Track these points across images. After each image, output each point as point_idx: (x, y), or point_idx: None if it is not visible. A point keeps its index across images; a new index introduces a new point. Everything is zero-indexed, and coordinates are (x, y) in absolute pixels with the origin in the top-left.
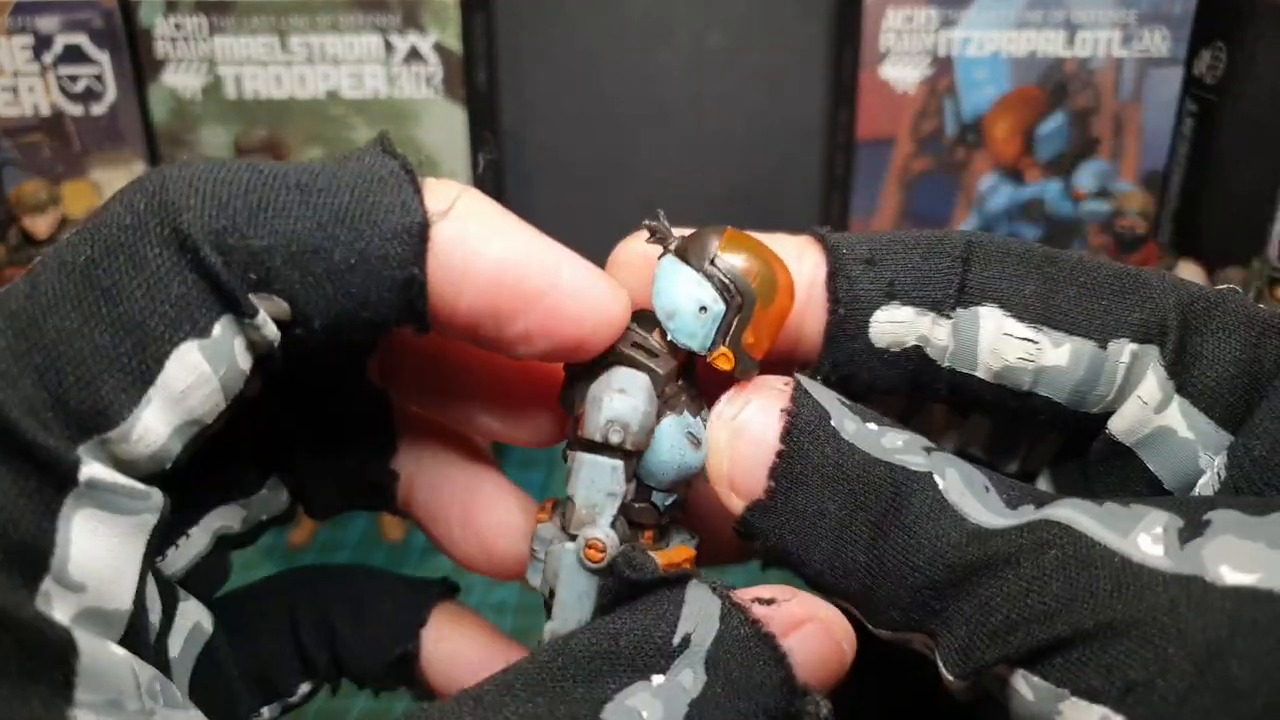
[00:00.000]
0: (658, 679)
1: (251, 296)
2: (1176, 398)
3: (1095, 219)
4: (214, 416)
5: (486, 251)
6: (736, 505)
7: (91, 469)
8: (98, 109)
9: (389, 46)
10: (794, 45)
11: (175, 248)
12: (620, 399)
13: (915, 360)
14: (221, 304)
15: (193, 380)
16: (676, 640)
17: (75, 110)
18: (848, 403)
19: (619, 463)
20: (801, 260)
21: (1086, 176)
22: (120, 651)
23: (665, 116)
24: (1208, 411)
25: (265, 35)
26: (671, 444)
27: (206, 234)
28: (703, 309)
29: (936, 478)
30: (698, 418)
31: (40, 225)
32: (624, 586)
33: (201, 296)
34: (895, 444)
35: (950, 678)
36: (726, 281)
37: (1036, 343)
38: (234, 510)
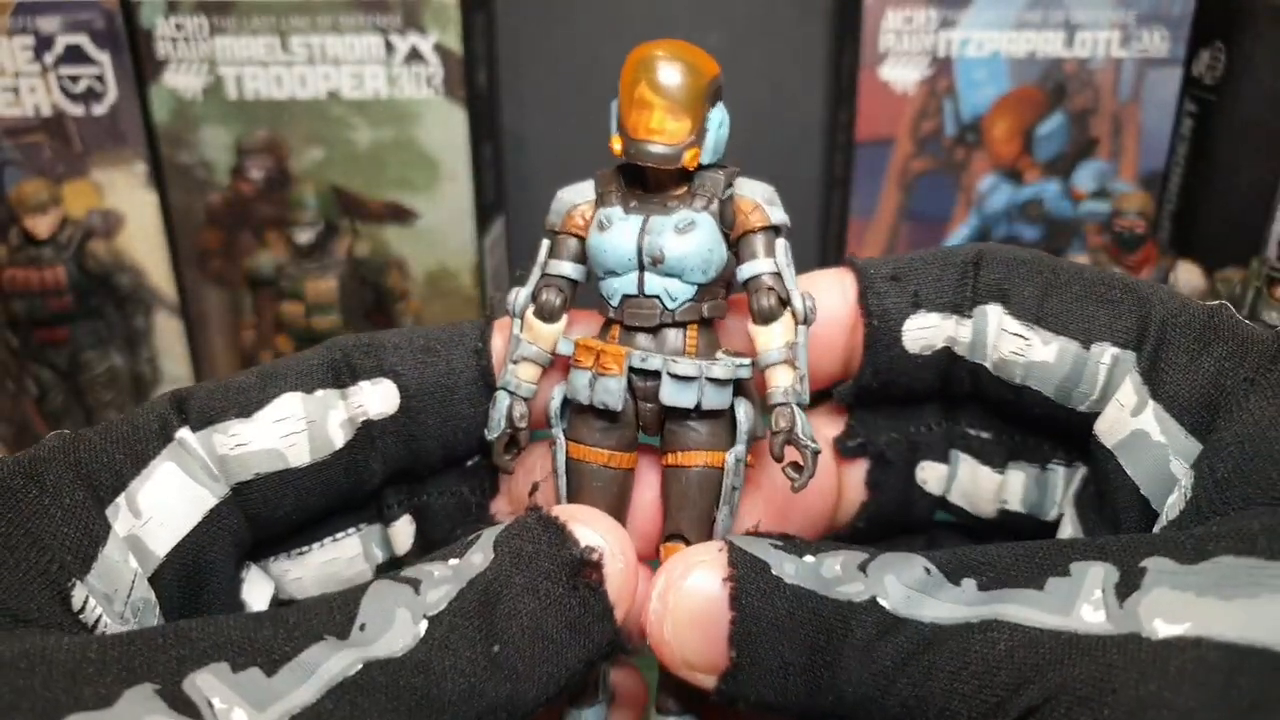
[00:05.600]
0: (454, 560)
1: (364, 382)
2: (1151, 402)
3: (1094, 219)
4: (299, 459)
5: None
6: (705, 682)
7: (184, 434)
8: (99, 109)
9: (389, 47)
10: (793, 46)
11: (332, 348)
12: (559, 193)
13: (945, 360)
14: (331, 379)
15: (285, 415)
16: (469, 538)
17: (76, 110)
18: (780, 543)
19: (544, 241)
20: (836, 286)
21: (1085, 177)
22: (134, 564)
23: None
24: (1179, 419)
25: (266, 36)
26: (592, 228)
27: (346, 344)
28: (611, 110)
29: (880, 600)
30: (619, 208)
31: (41, 225)
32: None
33: (320, 372)
34: (834, 571)
35: None
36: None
37: (1027, 339)
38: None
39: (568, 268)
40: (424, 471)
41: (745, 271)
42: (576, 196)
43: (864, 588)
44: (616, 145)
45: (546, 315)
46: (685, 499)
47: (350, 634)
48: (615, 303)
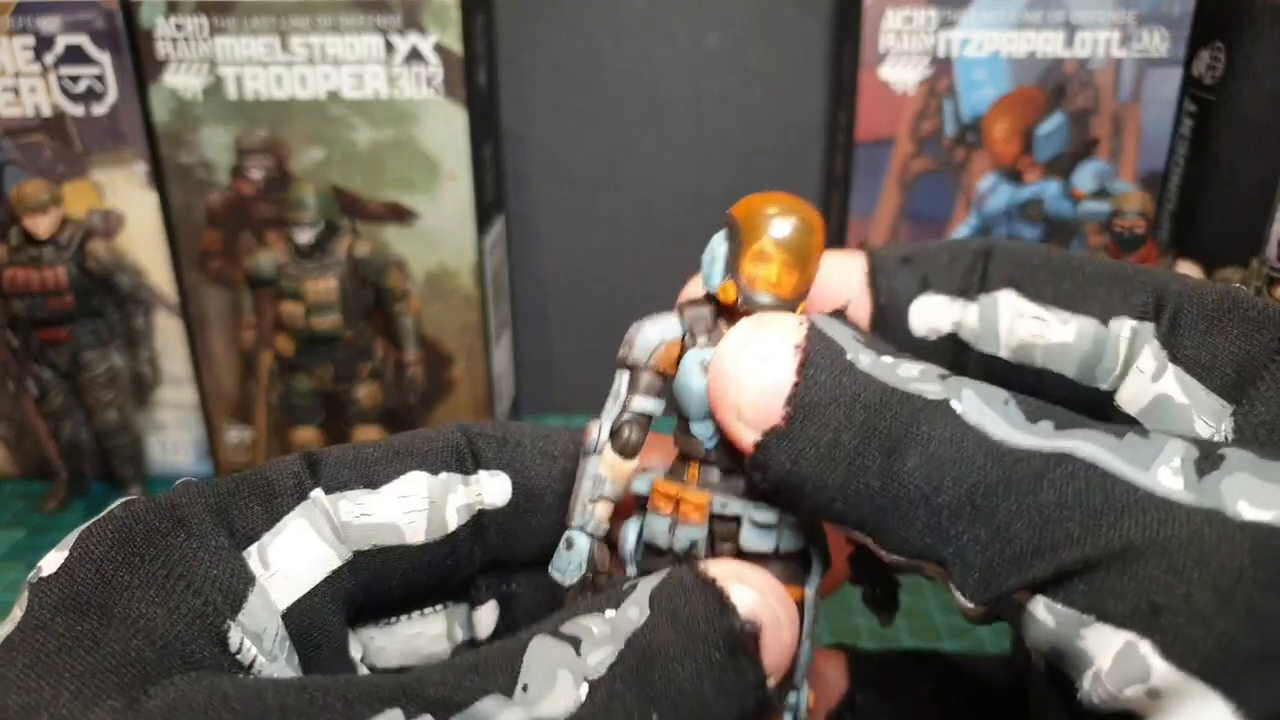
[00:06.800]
0: (610, 612)
1: (483, 472)
2: (1171, 366)
3: (1094, 219)
4: (416, 537)
5: None
6: (747, 436)
7: (318, 493)
8: (99, 109)
9: (390, 47)
10: (794, 45)
11: (458, 431)
12: (642, 326)
13: (951, 348)
14: (456, 463)
15: (409, 493)
16: (626, 586)
17: (76, 110)
18: (862, 338)
19: (623, 372)
20: (848, 267)
21: (1085, 176)
22: (274, 604)
23: (665, 116)
24: (1203, 380)
25: (266, 36)
26: (686, 370)
27: (474, 430)
28: (713, 253)
29: (954, 403)
30: (712, 351)
31: (41, 225)
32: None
33: (446, 454)
34: (910, 373)
35: (967, 604)
36: (729, 223)
37: (1045, 320)
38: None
39: (650, 404)
40: (515, 564)
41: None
42: (662, 333)
43: (940, 389)
44: (730, 293)
45: (628, 452)
46: None
47: (514, 693)
48: (710, 445)
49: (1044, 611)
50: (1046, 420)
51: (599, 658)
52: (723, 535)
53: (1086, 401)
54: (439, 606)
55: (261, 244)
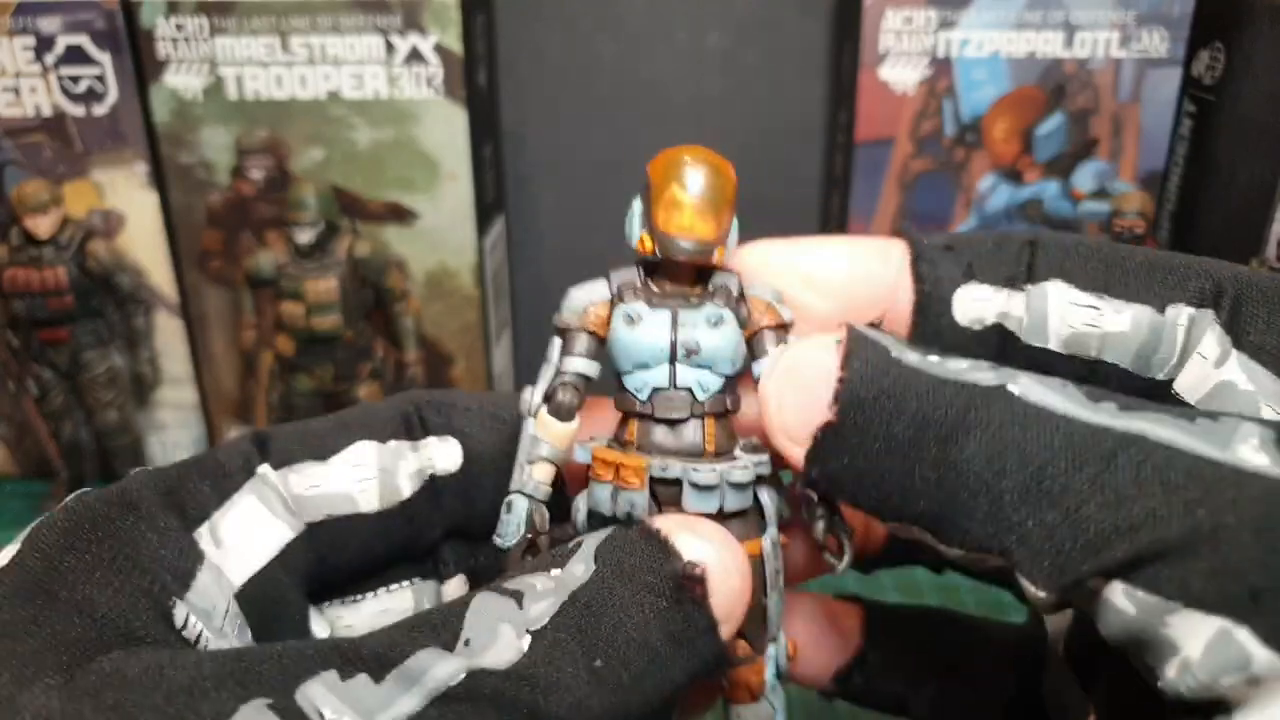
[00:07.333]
0: (555, 571)
1: (432, 438)
2: (1235, 352)
3: (1094, 219)
4: (370, 505)
5: None
6: (796, 452)
7: (265, 469)
8: (99, 109)
9: (390, 47)
10: (794, 46)
11: (407, 401)
12: (571, 291)
13: (996, 340)
14: (404, 431)
15: (359, 462)
16: (571, 545)
17: (77, 111)
18: (903, 342)
19: (555, 338)
20: (888, 253)
21: (1085, 177)
22: (224, 583)
23: (665, 116)
24: (1269, 365)
25: (266, 36)
26: (614, 325)
27: (422, 399)
28: (632, 211)
29: (1010, 387)
30: (643, 304)
31: (42, 225)
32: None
33: (394, 423)
34: (960, 366)
35: (1039, 594)
36: (643, 182)
37: (1099, 309)
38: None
39: (583, 365)
40: (479, 533)
41: (762, 366)
42: (591, 294)
43: (993, 376)
44: (646, 243)
45: (563, 414)
46: None
47: (456, 648)
48: (645, 396)
49: (1123, 599)
50: (1109, 402)
51: (541, 609)
52: (666, 499)
53: (1140, 392)
54: (405, 582)
55: (261, 244)
